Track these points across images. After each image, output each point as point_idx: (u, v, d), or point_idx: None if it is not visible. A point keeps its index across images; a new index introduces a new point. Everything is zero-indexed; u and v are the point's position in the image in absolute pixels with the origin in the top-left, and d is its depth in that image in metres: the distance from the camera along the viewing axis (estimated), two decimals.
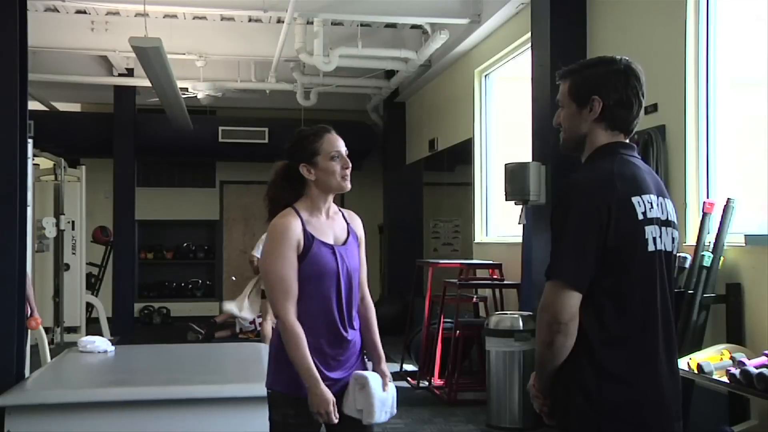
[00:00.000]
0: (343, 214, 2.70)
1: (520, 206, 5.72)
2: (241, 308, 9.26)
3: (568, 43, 5.48)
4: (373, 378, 2.56)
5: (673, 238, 2.06)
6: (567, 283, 1.89)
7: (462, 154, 8.73)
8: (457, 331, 6.52)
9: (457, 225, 11.74)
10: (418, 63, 8.61)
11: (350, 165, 2.60)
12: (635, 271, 1.95)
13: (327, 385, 2.48)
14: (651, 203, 1.98)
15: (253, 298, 9.23)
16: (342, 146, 2.60)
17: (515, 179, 5.63)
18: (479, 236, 8.16)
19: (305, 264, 2.51)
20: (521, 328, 5.37)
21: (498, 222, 7.86)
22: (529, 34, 6.05)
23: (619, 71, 2.04)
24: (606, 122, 2.03)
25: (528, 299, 5.92)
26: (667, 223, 2.03)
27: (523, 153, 6.21)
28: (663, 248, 2.01)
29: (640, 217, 1.95)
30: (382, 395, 2.56)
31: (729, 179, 4.32)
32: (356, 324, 2.66)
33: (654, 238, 1.97)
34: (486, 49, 7.70)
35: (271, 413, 2.57)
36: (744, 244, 3.89)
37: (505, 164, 5.84)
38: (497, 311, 6.27)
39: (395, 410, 2.63)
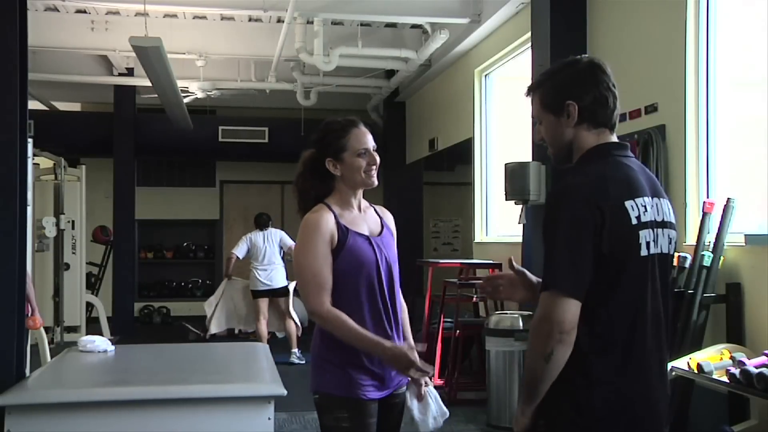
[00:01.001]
0: (375, 210, 2.67)
1: (520, 206, 5.72)
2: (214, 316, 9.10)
3: (568, 43, 5.48)
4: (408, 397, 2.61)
5: (670, 239, 2.01)
6: (566, 292, 1.83)
7: (462, 154, 8.73)
8: (457, 331, 6.52)
9: (457, 225, 11.75)
10: (418, 63, 8.61)
11: (377, 161, 2.55)
12: (627, 276, 1.90)
13: (378, 387, 2.49)
14: (645, 206, 1.93)
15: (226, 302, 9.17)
16: (370, 141, 2.55)
17: (515, 179, 5.63)
18: (479, 236, 8.16)
19: (342, 256, 2.46)
20: (521, 327, 5.37)
21: (498, 222, 7.86)
22: (529, 34, 6.06)
23: (584, 70, 2.00)
24: (587, 123, 1.98)
25: None
26: (663, 224, 1.98)
27: (523, 153, 6.21)
28: (658, 251, 1.96)
29: (634, 222, 1.89)
30: (419, 405, 2.60)
31: (729, 179, 4.32)
32: (400, 326, 2.61)
33: (648, 243, 1.92)
34: (486, 49, 7.71)
35: (322, 419, 2.50)
36: (744, 244, 3.89)
37: (505, 164, 5.85)
38: (497, 311, 6.27)
39: (439, 420, 2.64)
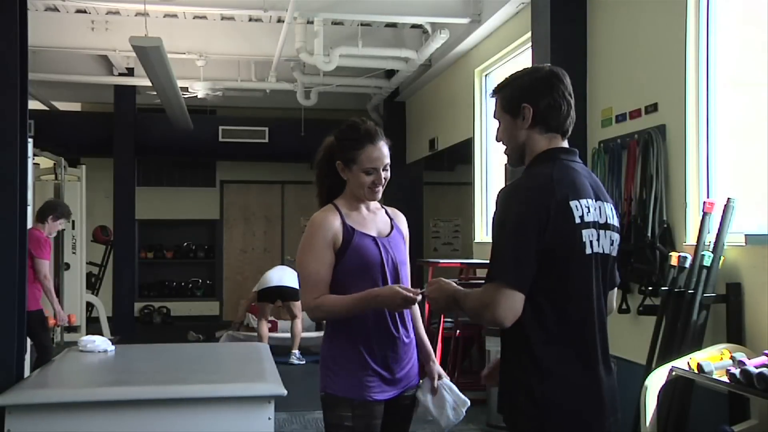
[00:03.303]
0: (386, 211, 2.69)
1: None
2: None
3: (568, 43, 5.48)
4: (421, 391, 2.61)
5: (612, 241, 2.11)
6: (511, 285, 1.93)
7: (462, 154, 8.73)
8: (458, 331, 6.53)
9: (457, 225, 11.76)
10: (419, 62, 8.61)
11: (383, 181, 2.54)
12: (572, 272, 2.00)
13: (384, 389, 2.50)
14: (589, 207, 2.03)
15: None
16: (381, 159, 2.52)
17: (515, 179, 5.63)
18: (479, 236, 8.16)
19: (348, 256, 2.49)
20: None
21: None
22: (529, 34, 6.05)
23: (543, 77, 2.11)
24: (539, 126, 2.10)
25: None
26: (605, 226, 2.08)
27: None
28: (600, 251, 2.06)
29: (578, 220, 1.99)
30: (433, 399, 2.59)
31: (729, 179, 4.32)
32: (410, 324, 2.61)
33: (591, 242, 2.02)
34: (486, 49, 7.70)
35: (326, 417, 2.54)
36: (744, 244, 3.89)
37: (505, 164, 5.84)
38: None
39: (460, 410, 2.62)
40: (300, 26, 7.72)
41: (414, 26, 8.73)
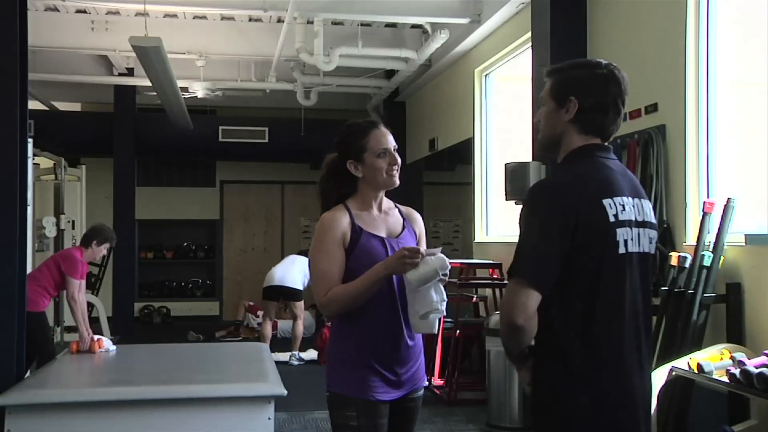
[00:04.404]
0: (400, 211, 2.71)
1: (520, 206, 5.71)
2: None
3: (568, 42, 5.48)
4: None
5: (650, 239, 2.04)
6: (528, 283, 1.88)
7: (462, 154, 8.73)
8: (457, 331, 6.52)
9: (457, 225, 11.75)
10: (419, 63, 8.61)
11: (398, 162, 2.58)
12: (604, 272, 1.93)
13: (389, 390, 2.49)
14: (623, 205, 1.96)
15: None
16: (390, 142, 2.58)
17: (515, 179, 5.63)
18: (479, 236, 8.16)
19: (354, 256, 2.49)
20: None
21: (498, 221, 7.86)
22: (529, 34, 6.06)
23: (600, 76, 2.04)
24: (580, 125, 2.03)
25: None
26: (643, 224, 2.02)
27: (523, 153, 6.20)
28: (637, 250, 1.99)
29: (612, 219, 1.93)
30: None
31: (729, 179, 4.33)
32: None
33: (625, 241, 1.96)
34: (486, 49, 7.71)
35: (332, 416, 2.53)
36: (744, 244, 3.90)
37: (505, 164, 5.85)
38: (497, 311, 6.27)
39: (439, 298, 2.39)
40: (300, 26, 7.72)
41: (414, 26, 8.73)
